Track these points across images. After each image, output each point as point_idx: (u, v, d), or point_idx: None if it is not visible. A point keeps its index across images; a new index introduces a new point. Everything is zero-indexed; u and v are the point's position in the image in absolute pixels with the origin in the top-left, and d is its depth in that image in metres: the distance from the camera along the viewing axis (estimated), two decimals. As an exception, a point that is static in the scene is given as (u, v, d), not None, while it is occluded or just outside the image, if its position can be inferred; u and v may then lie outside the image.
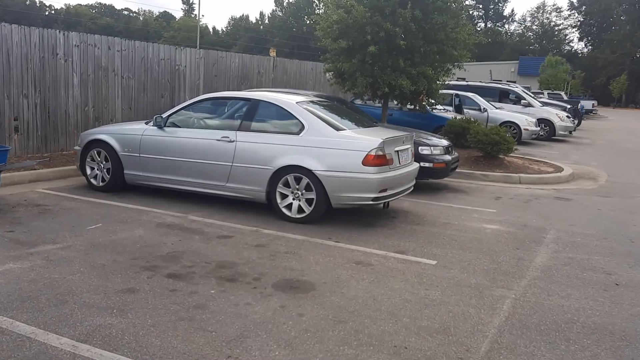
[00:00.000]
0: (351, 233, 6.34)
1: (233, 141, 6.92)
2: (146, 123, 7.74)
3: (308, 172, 6.51)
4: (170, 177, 7.33)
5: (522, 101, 19.76)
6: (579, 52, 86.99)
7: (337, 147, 6.50)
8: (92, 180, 7.84)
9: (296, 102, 7.04)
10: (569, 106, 23.26)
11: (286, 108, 6.92)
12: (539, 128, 18.12)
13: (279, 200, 6.73)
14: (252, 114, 7.06)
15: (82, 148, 7.90)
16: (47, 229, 5.90)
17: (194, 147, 7.14)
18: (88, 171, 7.88)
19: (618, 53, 76.67)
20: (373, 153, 6.36)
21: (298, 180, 6.61)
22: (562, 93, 34.52)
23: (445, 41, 12.30)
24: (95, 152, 7.79)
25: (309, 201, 6.61)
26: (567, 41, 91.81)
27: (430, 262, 5.48)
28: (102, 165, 7.75)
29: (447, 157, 9.15)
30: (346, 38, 11.81)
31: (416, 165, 7.39)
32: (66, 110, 9.69)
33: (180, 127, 7.46)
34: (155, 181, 7.47)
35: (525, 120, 17.35)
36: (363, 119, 7.71)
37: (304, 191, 6.61)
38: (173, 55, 11.71)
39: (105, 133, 7.81)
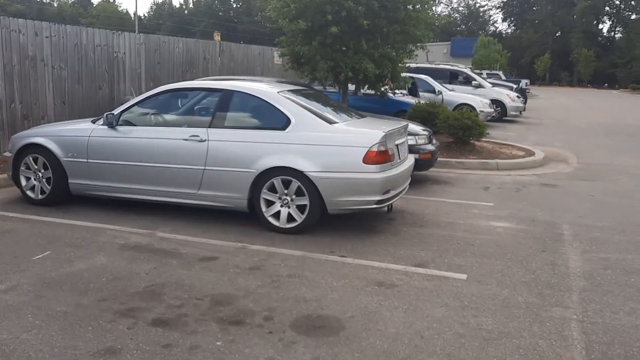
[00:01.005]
0: (353, 243, 5.43)
1: (204, 140, 5.82)
2: (93, 122, 6.49)
3: (298, 174, 5.53)
4: (127, 186, 6.15)
5: (473, 82, 19.39)
6: (504, 32, 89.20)
7: (332, 143, 5.55)
8: (29, 193, 6.53)
9: (277, 92, 6.01)
10: (514, 86, 23.18)
11: (267, 99, 5.88)
12: (493, 109, 17.77)
13: (264, 208, 5.72)
14: (225, 108, 5.98)
15: (14, 154, 6.55)
16: (-19, 263, 4.66)
17: (156, 149, 6.00)
18: (23, 182, 6.57)
19: (540, 33, 79.11)
20: (375, 149, 5.45)
21: (287, 184, 5.61)
22: (501, 73, 34.77)
23: (408, 20, 11.53)
24: (30, 158, 6.48)
25: (300, 208, 5.63)
26: (491, 22, 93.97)
27: (459, 276, 4.66)
28: (41, 175, 6.46)
29: (431, 147, 8.38)
30: (304, 19, 10.80)
31: (412, 159, 6.53)
32: (-12, 109, 8.20)
33: (136, 125, 6.27)
34: (108, 191, 6.26)
35: (480, 102, 16.93)
36: (350, 110, 6.77)
37: (294, 196, 5.62)
38: (110, 40, 10.32)
39: (43, 135, 6.50)
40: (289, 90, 6.16)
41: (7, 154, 6.72)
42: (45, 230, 5.61)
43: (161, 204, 6.19)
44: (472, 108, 16.83)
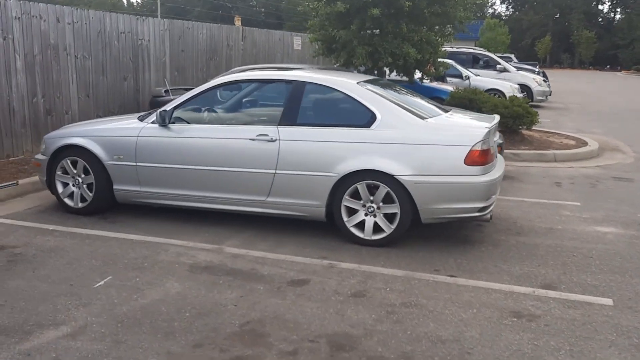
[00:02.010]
0: (454, 258, 4.71)
1: (275, 140, 5.05)
2: (140, 119, 5.70)
3: (388, 178, 4.78)
4: (183, 193, 5.38)
5: (498, 66, 18.60)
6: (503, 14, 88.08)
7: (427, 142, 4.79)
8: (67, 201, 5.75)
9: (357, 83, 5.23)
10: (537, 69, 22.40)
11: (346, 92, 5.10)
12: (523, 94, 17.00)
13: (345, 217, 4.97)
14: (296, 102, 5.19)
15: (48, 157, 5.75)
16: (33, 294, 3.90)
17: (217, 151, 5.23)
18: (59, 188, 5.78)
19: (541, 14, 78.07)
20: (478, 148, 4.70)
21: (373, 190, 4.87)
22: (512, 56, 33.93)
23: (449, 1, 10.77)
24: (68, 162, 5.69)
25: (388, 217, 4.89)
26: (489, 4, 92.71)
27: (604, 301, 3.94)
28: (81, 180, 5.67)
29: (500, 140, 7.61)
30: (343, 0, 10.00)
31: (502, 158, 5.78)
32: (9, 103, 7.39)
33: (190, 123, 5.49)
34: (160, 198, 5.49)
35: (510, 87, 16.17)
36: (431, 102, 5.98)
37: (381, 204, 4.87)
38: (134, 27, 9.48)
39: (82, 135, 5.70)
40: (367, 81, 5.39)
41: (40, 156, 5.93)
42: (96, 247, 4.85)
43: (220, 212, 5.43)
44: (501, 94, 16.12)
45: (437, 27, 11.41)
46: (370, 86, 5.27)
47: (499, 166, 5.14)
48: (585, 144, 10.59)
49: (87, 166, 5.61)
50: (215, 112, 5.64)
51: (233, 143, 5.19)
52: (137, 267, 4.41)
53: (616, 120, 15.57)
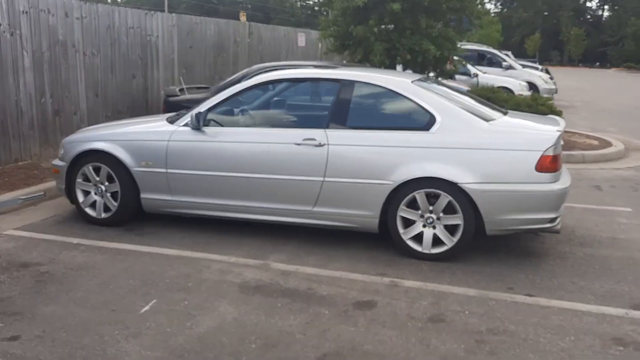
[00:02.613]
0: (525, 274, 4.34)
1: (323, 145, 4.61)
2: (170, 121, 5.25)
3: (451, 187, 4.38)
4: (219, 202, 4.94)
5: (504, 64, 18.29)
6: (492, 12, 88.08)
7: (494, 146, 4.39)
8: (89, 211, 5.28)
9: (412, 82, 4.82)
10: (540, 67, 22.14)
11: (402, 92, 4.68)
12: (530, 92, 16.70)
13: (401, 229, 4.56)
14: (345, 103, 4.76)
15: (68, 163, 5.27)
16: (73, 323, 3.45)
17: (258, 157, 4.79)
18: (80, 197, 5.31)
19: (530, 12, 78.17)
20: (550, 153, 4.31)
21: (433, 199, 4.46)
22: (509, 53, 33.65)
23: (466, -5, 10.46)
24: (90, 168, 5.21)
25: (449, 228, 4.48)
26: (477, 1, 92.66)
27: None
28: (104, 188, 5.20)
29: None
30: (361, -5, 9.60)
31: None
32: (17, 104, 6.87)
33: (226, 126, 5.04)
34: (193, 208, 5.04)
35: (519, 84, 15.88)
36: (487, 103, 5.57)
37: (441, 214, 4.46)
38: (143, 22, 8.98)
39: (105, 139, 5.23)
40: (420, 79, 4.98)
41: (58, 162, 5.44)
42: (129, 263, 4.39)
43: (257, 224, 5.00)
44: (510, 91, 15.79)
45: (452, 22, 11.07)
46: (425, 85, 4.85)
47: (566, 173, 4.76)
48: (609, 144, 10.27)
49: (112, 173, 5.14)
50: (254, 114, 5.20)
51: (276, 148, 4.76)
52: (182, 288, 3.96)
53: (628, 119, 15.32)
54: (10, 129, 6.79)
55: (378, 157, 4.54)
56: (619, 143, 10.32)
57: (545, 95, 17.80)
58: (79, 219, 5.38)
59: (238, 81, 7.48)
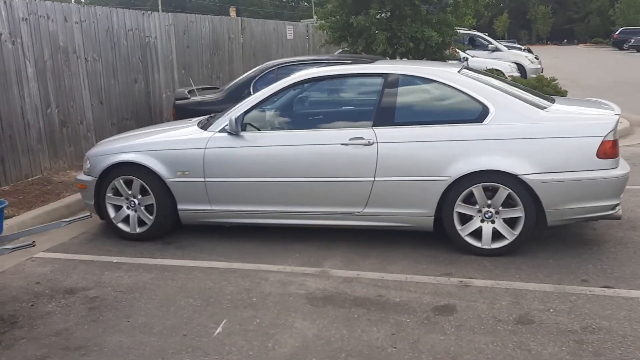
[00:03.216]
0: (593, 264, 4.23)
1: (372, 143, 4.43)
2: (202, 127, 5.01)
3: (510, 179, 4.24)
4: (264, 209, 4.73)
5: (490, 46, 18.29)
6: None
7: (552, 134, 4.26)
8: (122, 226, 5.02)
9: (458, 72, 4.66)
10: (524, 47, 22.19)
11: (451, 83, 4.52)
12: (519, 74, 16.72)
13: (458, 225, 4.41)
14: (392, 99, 4.58)
15: (97, 178, 5.00)
16: (146, 353, 3.23)
17: (304, 160, 4.58)
18: (111, 212, 5.05)
19: (497, -8, 78.61)
20: (610, 138, 4.21)
21: (491, 193, 4.31)
22: (486, 35, 33.72)
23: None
24: (121, 182, 4.95)
25: (508, 222, 4.34)
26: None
27: None
28: (137, 202, 4.94)
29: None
30: (363, -17, 9.43)
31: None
32: (24, 116, 6.53)
33: (262, 129, 4.83)
34: (236, 217, 4.83)
35: (508, 66, 15.85)
36: (530, 89, 5.42)
37: (500, 208, 4.32)
38: (141, 23, 8.64)
39: (135, 150, 4.96)
40: (464, 69, 4.81)
41: (85, 177, 5.16)
42: (182, 281, 4.16)
43: (296, 229, 4.83)
44: (501, 73, 15.76)
45: (449, 7, 10.98)
46: (471, 74, 4.69)
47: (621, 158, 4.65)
48: (614, 121, 10.26)
49: (145, 185, 4.88)
50: (293, 115, 4.99)
51: (321, 150, 4.56)
52: (248, 304, 3.75)
53: (617, 95, 15.38)
54: (19, 144, 6.46)
55: (431, 153, 4.37)
56: (626, 121, 10.32)
57: (532, 75, 17.89)
58: (111, 235, 5.12)
59: (250, 80, 7.28)
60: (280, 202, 4.67)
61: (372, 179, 4.46)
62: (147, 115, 8.80)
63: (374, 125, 4.51)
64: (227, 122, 4.71)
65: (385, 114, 4.53)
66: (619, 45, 47.97)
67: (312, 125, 4.78)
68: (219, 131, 4.79)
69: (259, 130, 4.82)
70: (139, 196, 4.95)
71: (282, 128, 4.85)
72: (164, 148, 4.87)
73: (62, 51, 7.09)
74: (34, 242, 3.43)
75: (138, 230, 4.99)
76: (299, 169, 4.57)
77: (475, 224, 4.41)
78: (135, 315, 3.65)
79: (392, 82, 4.59)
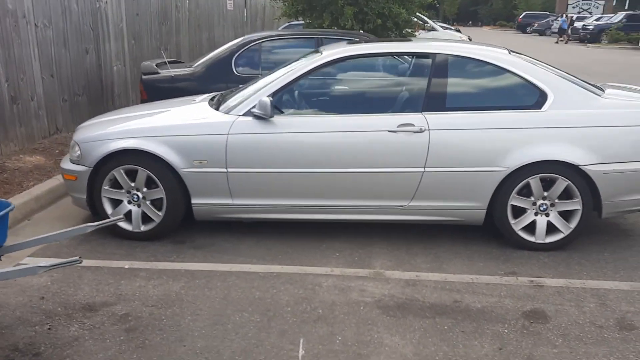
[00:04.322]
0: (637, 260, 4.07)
1: (423, 130, 4.02)
2: (214, 106, 4.40)
3: (570, 169, 4.01)
4: (294, 204, 4.20)
5: (426, 26, 18.22)
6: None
7: (613, 123, 4.05)
8: (122, 224, 4.29)
9: (509, 53, 4.33)
10: (453, 27, 22.45)
11: (505, 66, 4.18)
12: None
13: (511, 219, 4.12)
14: (442, 82, 4.17)
15: (91, 168, 4.23)
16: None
17: (346, 149, 4.09)
18: (108, 208, 4.33)
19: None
20: (670, 128, 4.04)
21: (548, 184, 4.05)
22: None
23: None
24: (122, 172, 4.22)
25: (563, 214, 4.11)
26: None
27: None
28: (142, 195, 4.24)
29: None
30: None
31: None
32: (-29, 92, 5.50)
33: (293, 114, 4.28)
34: (262, 212, 4.27)
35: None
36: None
37: (556, 200, 4.07)
38: (91, -14, 7.62)
39: (139, 135, 4.23)
40: (513, 50, 4.48)
41: (74, 166, 4.37)
42: (222, 290, 3.58)
43: (319, 224, 4.38)
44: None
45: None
46: (522, 56, 4.37)
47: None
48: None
49: (153, 176, 4.18)
50: (329, 98, 4.46)
51: (365, 137, 4.08)
52: (317, 318, 3.26)
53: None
54: (-33, 124, 5.43)
55: (487, 141, 4.03)
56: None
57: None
58: (107, 234, 4.39)
59: (231, 55, 6.64)
60: (316, 195, 4.16)
61: (422, 169, 4.05)
62: (99, 90, 7.85)
63: (424, 110, 4.10)
64: (255, 104, 4.10)
65: (436, 99, 4.12)
66: (522, 28, 50.31)
67: (352, 110, 4.26)
68: (244, 114, 4.17)
69: (289, 114, 4.25)
70: (144, 189, 4.24)
71: (317, 112, 4.32)
72: (177, 133, 4.19)
73: (10, 15, 6.04)
74: (80, 257, 2.72)
75: (143, 228, 4.30)
76: (339, 158, 4.08)
77: (529, 217, 4.14)
78: (190, 338, 3.05)
79: (441, 63, 4.18)
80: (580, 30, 33.81)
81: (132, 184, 4.24)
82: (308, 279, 3.72)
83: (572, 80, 4.23)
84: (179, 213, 4.27)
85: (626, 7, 43.83)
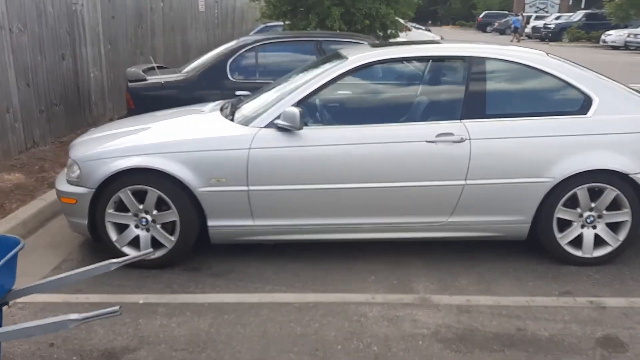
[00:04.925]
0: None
1: (464, 140, 3.69)
2: (227, 116, 3.99)
3: (620, 178, 3.74)
4: (324, 223, 3.82)
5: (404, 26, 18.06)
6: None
7: (664, 129, 3.79)
8: (128, 251, 3.83)
9: (547, 55, 4.04)
10: (425, 27, 22.40)
11: (545, 69, 3.89)
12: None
13: (557, 233, 3.83)
14: (481, 87, 3.86)
15: (94, 189, 3.76)
16: None
17: (381, 162, 3.73)
18: (113, 234, 3.85)
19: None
20: None
21: (596, 195, 3.78)
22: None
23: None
24: (129, 193, 3.75)
25: (611, 226, 3.85)
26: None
27: None
28: (151, 219, 3.79)
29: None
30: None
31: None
32: (-57, 105, 4.92)
33: (320, 125, 3.90)
34: (286, 233, 3.88)
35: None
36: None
37: (604, 212, 3.81)
38: (66, -14, 7.07)
39: (148, 152, 3.78)
40: (547, 53, 4.20)
41: (72, 188, 3.88)
42: (258, 326, 3.18)
43: (341, 244, 4.03)
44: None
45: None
46: (562, 59, 4.09)
47: None
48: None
49: (165, 197, 3.73)
50: (359, 107, 4.09)
51: (402, 149, 3.73)
52: (374, 356, 2.89)
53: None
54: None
55: (532, 150, 3.73)
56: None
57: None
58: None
59: (225, 59, 6.20)
60: (349, 212, 3.79)
61: (463, 182, 3.72)
62: (76, 99, 7.30)
63: (462, 117, 3.77)
64: (279, 115, 3.70)
65: (475, 105, 3.80)
66: (482, 28, 50.91)
67: (385, 119, 3.89)
68: (266, 126, 3.76)
69: (312, 125, 3.86)
70: (154, 211, 3.79)
71: (346, 123, 3.92)
72: (192, 149, 3.75)
73: (-17, 19, 5.47)
74: (120, 307, 2.27)
75: (156, 254, 3.83)
76: (374, 172, 3.71)
77: (575, 230, 3.86)
78: (237, 390, 2.63)
79: (477, 66, 3.86)
80: (542, 29, 34.31)
81: (140, 206, 3.77)
82: (350, 309, 3.34)
83: (614, 84, 3.96)
84: (192, 237, 3.84)
85: (582, 6, 44.78)
